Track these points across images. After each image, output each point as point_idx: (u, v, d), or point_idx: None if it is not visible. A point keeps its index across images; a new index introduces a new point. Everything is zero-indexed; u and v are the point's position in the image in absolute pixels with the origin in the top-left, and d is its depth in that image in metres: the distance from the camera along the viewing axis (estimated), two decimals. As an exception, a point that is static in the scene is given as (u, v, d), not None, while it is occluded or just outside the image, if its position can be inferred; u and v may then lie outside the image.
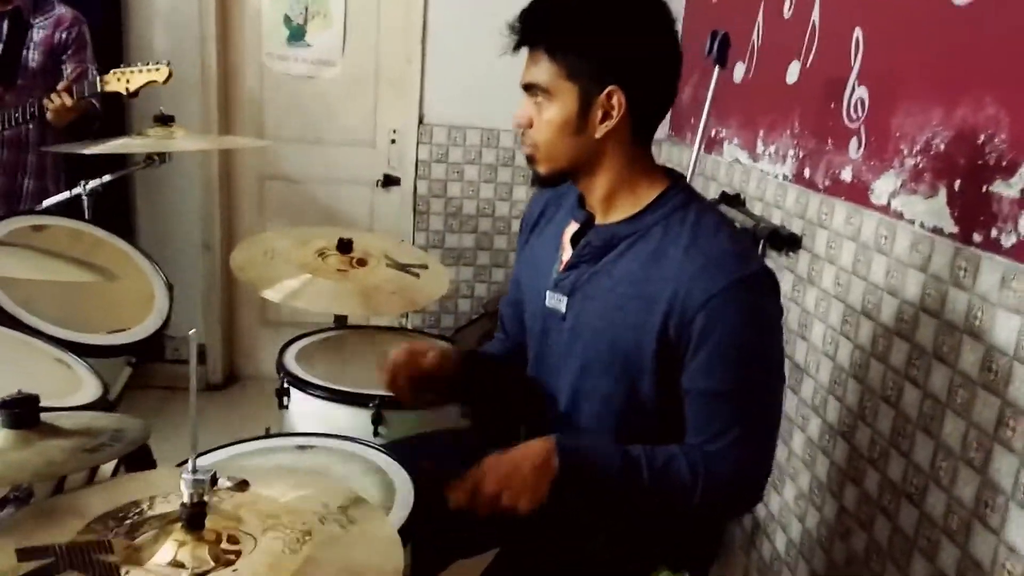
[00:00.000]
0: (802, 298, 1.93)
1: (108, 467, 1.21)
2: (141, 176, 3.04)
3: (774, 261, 2.07)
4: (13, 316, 1.28)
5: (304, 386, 1.59)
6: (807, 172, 1.96)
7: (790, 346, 1.97)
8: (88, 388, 1.19)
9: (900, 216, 1.55)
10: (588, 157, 1.12)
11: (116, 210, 2.98)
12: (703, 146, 2.70)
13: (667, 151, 3.07)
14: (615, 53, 1.07)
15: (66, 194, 1.93)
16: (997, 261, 1.27)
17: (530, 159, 1.14)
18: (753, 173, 2.28)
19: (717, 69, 1.90)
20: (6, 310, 1.28)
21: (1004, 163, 1.28)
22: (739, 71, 2.44)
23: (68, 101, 2.11)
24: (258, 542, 0.71)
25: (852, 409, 1.69)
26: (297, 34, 3.04)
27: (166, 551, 0.69)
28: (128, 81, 2.11)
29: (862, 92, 1.72)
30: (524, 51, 1.12)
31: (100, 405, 1.15)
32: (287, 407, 1.63)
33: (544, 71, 1.08)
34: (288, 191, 3.22)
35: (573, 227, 1.22)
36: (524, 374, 1.30)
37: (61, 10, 2.39)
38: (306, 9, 3.02)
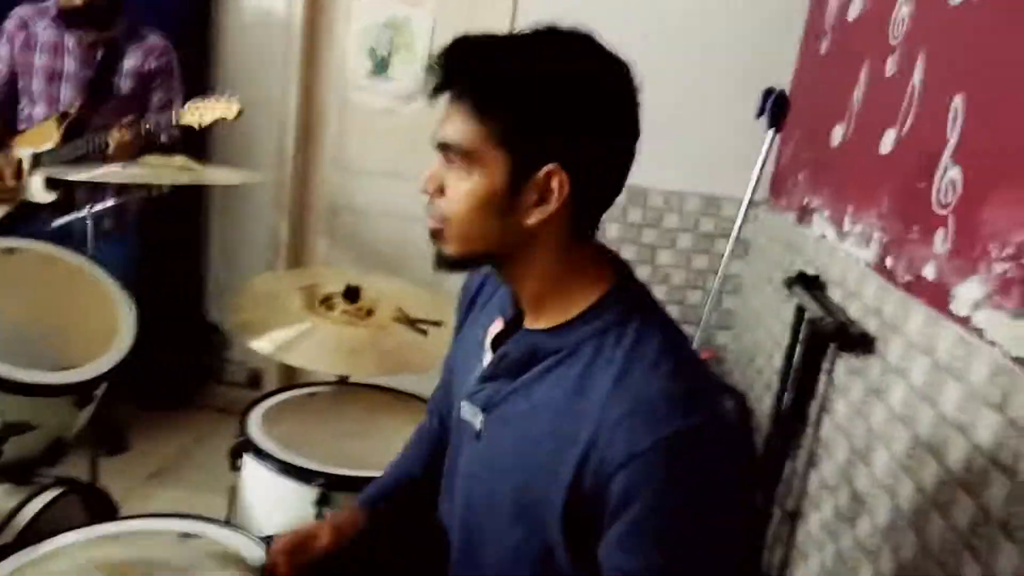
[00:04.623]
0: (869, 413, 1.58)
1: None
2: (219, 199, 3.08)
3: (845, 361, 1.74)
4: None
5: (253, 450, 1.45)
6: (888, 261, 1.62)
7: (852, 468, 1.62)
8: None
9: (980, 335, 1.21)
10: (512, 246, 0.88)
11: (190, 232, 3.04)
12: (796, 216, 2.40)
13: (764, 217, 2.75)
14: (566, 124, 0.83)
15: (70, 216, 1.92)
16: (1090, 420, 0.93)
17: (435, 235, 0.91)
18: (837, 254, 1.95)
19: (771, 133, 1.61)
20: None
21: (1112, 288, 0.94)
22: (837, 134, 2.12)
23: (126, 137, 2.14)
24: None
25: (906, 568, 1.34)
26: (380, 66, 2.98)
27: None
28: (201, 115, 2.09)
29: (955, 173, 1.39)
30: None
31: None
32: (239, 469, 1.49)
33: (469, 131, 0.84)
34: (360, 224, 3.16)
35: (499, 325, 0.99)
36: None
37: (153, 39, 2.44)
38: (391, 41, 2.95)
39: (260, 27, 2.91)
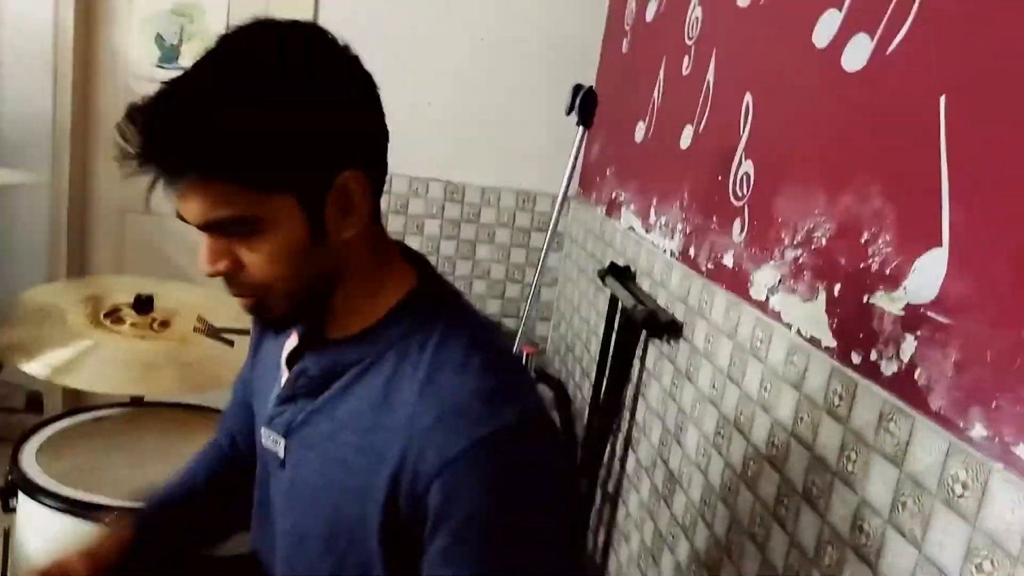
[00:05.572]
0: (679, 395, 1.66)
1: None
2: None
3: (656, 347, 1.81)
4: None
5: (27, 488, 1.26)
6: (692, 251, 1.71)
7: (667, 448, 1.70)
8: None
9: (778, 317, 1.30)
10: (333, 268, 0.81)
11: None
12: (605, 209, 2.48)
13: (576, 211, 2.83)
14: (322, 132, 0.75)
15: None
16: (875, 392, 1.02)
17: (258, 308, 0.81)
18: (644, 245, 2.03)
19: (580, 130, 1.65)
20: None
21: (888, 271, 1.03)
22: (640, 131, 2.21)
23: None
24: None
25: (720, 540, 1.41)
26: (170, 56, 2.74)
27: None
28: None
29: (748, 167, 1.48)
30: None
31: None
32: (13, 511, 1.30)
33: (233, 199, 0.73)
34: (153, 227, 2.88)
35: (294, 341, 0.91)
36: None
37: None
38: (182, 29, 2.72)
39: (24, 19, 2.57)
